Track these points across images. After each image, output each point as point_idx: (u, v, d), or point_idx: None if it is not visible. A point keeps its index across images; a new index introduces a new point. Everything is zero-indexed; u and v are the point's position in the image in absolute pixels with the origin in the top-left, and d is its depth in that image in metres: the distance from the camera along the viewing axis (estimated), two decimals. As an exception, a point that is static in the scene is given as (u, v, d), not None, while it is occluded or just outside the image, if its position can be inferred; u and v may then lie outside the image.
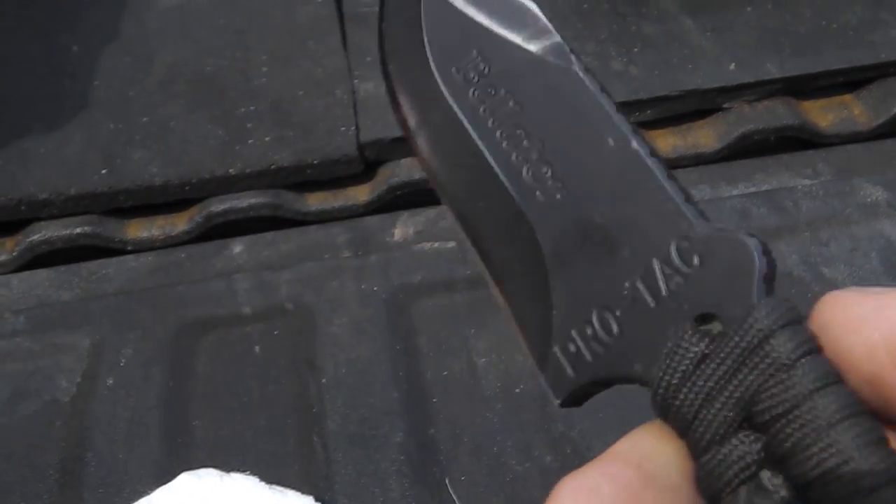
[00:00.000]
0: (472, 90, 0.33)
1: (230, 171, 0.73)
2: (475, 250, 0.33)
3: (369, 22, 0.84)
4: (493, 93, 0.32)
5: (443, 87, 0.33)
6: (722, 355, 0.23)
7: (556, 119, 0.30)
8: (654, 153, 0.28)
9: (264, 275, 0.69)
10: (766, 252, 0.24)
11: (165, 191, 0.73)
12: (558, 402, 0.28)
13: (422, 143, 0.34)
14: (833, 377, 0.22)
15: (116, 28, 0.86)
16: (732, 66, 0.77)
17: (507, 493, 0.56)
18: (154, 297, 0.68)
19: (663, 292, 0.26)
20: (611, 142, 0.28)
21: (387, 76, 0.35)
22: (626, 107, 0.74)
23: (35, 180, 0.73)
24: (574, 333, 0.28)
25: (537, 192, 0.30)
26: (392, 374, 0.62)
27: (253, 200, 0.73)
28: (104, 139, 0.76)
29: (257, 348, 0.64)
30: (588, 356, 0.27)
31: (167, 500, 0.53)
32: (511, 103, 0.32)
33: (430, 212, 0.72)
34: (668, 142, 0.75)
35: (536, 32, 0.32)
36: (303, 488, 0.55)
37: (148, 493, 0.54)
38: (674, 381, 0.24)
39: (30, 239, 0.72)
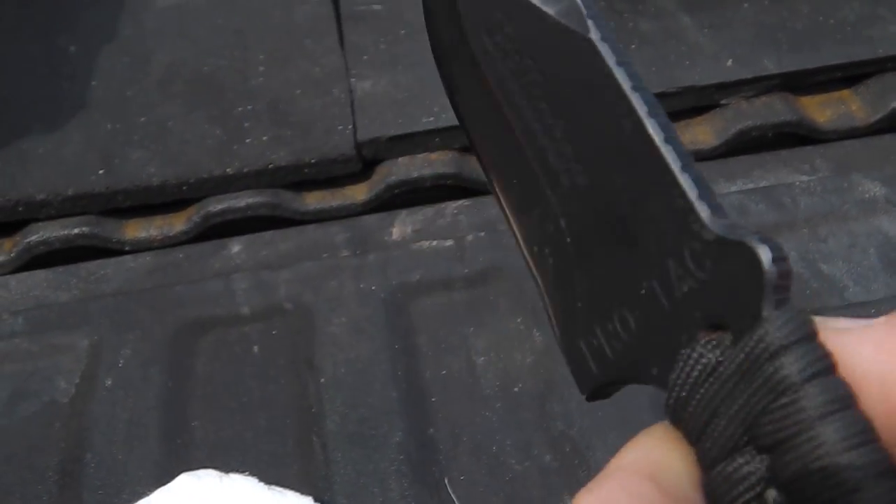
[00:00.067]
0: (503, 59, 0.30)
1: (228, 170, 0.73)
2: (512, 226, 0.31)
3: (366, 21, 0.84)
4: (520, 62, 0.30)
5: (477, 56, 0.32)
6: (729, 371, 0.22)
7: (575, 96, 0.28)
8: (671, 138, 0.25)
9: (263, 274, 0.69)
10: (780, 259, 0.22)
11: (163, 191, 0.73)
12: (584, 396, 0.27)
13: (464, 111, 0.33)
14: (842, 403, 0.21)
15: (114, 28, 0.86)
16: (730, 63, 0.77)
17: (506, 493, 0.56)
18: (152, 298, 0.68)
19: (677, 295, 0.24)
20: (626, 125, 0.26)
21: (433, 47, 0.33)
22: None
23: (33, 181, 0.73)
24: (597, 329, 0.27)
25: (561, 177, 0.28)
26: (391, 374, 0.62)
27: (251, 200, 0.73)
28: (102, 139, 0.76)
29: (256, 348, 0.64)
30: (609, 353, 0.26)
31: (166, 501, 0.53)
32: (535, 74, 0.29)
33: (429, 210, 0.72)
34: (666, 139, 0.75)
35: None
36: (302, 488, 0.55)
37: (147, 494, 0.54)
38: (683, 393, 0.23)
39: (28, 240, 0.72)
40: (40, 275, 0.71)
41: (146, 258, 0.71)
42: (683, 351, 0.23)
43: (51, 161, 0.74)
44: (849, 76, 0.78)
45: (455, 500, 0.56)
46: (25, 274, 0.71)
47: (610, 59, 0.26)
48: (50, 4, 0.88)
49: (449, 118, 0.72)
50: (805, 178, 0.72)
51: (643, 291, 0.25)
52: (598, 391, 0.27)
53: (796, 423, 0.21)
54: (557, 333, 0.29)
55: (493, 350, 0.63)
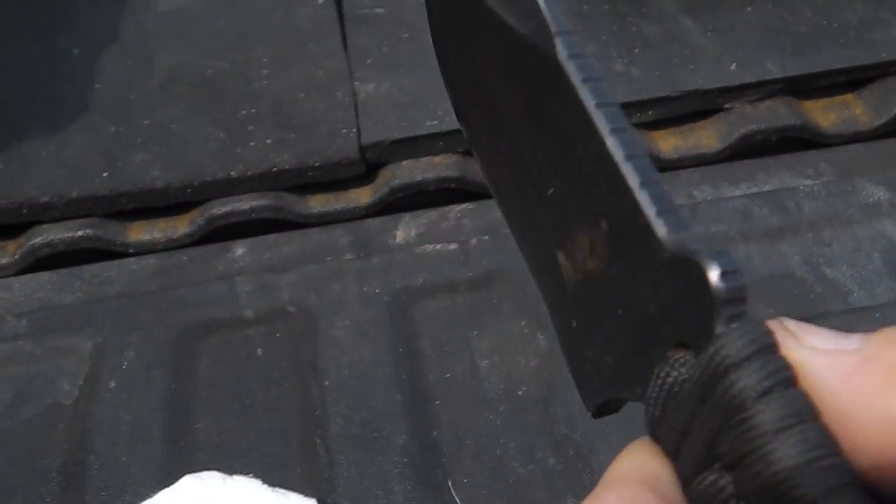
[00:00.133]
0: (488, 74, 0.31)
1: (231, 173, 0.73)
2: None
3: (370, 23, 0.84)
4: (502, 79, 0.30)
5: (467, 71, 0.32)
6: (689, 389, 0.22)
7: (546, 113, 0.28)
8: (632, 155, 0.25)
9: (266, 277, 0.69)
10: (730, 273, 0.22)
11: (167, 193, 0.73)
12: (590, 412, 0.28)
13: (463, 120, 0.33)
14: (799, 417, 0.20)
15: (117, 31, 0.86)
16: (733, 66, 0.77)
17: (509, 496, 0.56)
18: (156, 300, 0.68)
19: (648, 314, 0.24)
20: (590, 144, 0.26)
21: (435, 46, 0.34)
22: (627, 107, 0.75)
23: (36, 183, 0.73)
24: (590, 348, 0.27)
25: (543, 190, 0.28)
26: (394, 377, 0.62)
27: (254, 203, 0.73)
28: (105, 142, 0.76)
29: (259, 351, 0.64)
30: (605, 371, 0.26)
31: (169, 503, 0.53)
32: (512, 91, 0.30)
33: (432, 213, 0.72)
34: (670, 142, 0.75)
35: (527, 10, 0.28)
36: (305, 491, 0.55)
37: (150, 496, 0.54)
38: (657, 412, 0.23)
39: (31, 242, 0.72)
40: (44, 277, 0.71)
41: (150, 261, 0.71)
42: (655, 370, 0.23)
43: (54, 163, 0.74)
44: (852, 80, 0.77)
45: (458, 502, 0.56)
46: (29, 276, 0.71)
47: (575, 78, 0.26)
48: (51, 6, 0.88)
49: (452, 121, 0.72)
50: (809, 182, 0.72)
51: (620, 311, 0.25)
52: (602, 408, 0.27)
53: (753, 440, 0.20)
54: (563, 351, 0.29)
55: (496, 353, 0.63)
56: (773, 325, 0.22)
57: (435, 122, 0.74)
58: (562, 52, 0.26)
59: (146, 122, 0.77)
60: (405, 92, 0.77)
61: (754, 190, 0.72)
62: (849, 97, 0.78)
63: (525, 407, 0.60)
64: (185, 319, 0.66)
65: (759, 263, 0.66)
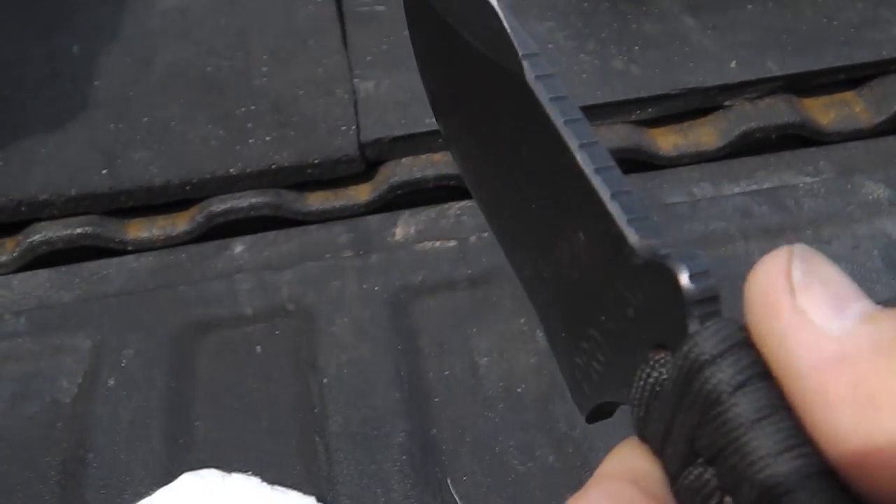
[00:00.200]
0: (463, 91, 0.32)
1: (231, 171, 0.73)
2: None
3: (369, 21, 0.84)
4: (476, 96, 0.31)
5: (445, 86, 0.33)
6: (669, 388, 0.23)
7: (516, 133, 0.29)
8: (602, 168, 0.26)
9: (265, 275, 0.69)
10: (700, 274, 0.22)
11: (166, 191, 0.73)
12: (584, 417, 0.28)
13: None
14: (772, 409, 0.21)
15: (117, 28, 0.86)
16: (733, 64, 0.76)
17: (509, 494, 0.56)
18: (155, 298, 0.68)
19: (627, 318, 0.25)
20: (558, 161, 0.27)
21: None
22: (627, 105, 0.75)
23: (35, 181, 0.73)
24: (578, 354, 0.28)
25: (523, 203, 0.29)
26: (394, 374, 0.62)
27: (254, 200, 0.72)
28: (105, 140, 0.76)
29: (259, 349, 0.64)
30: (594, 376, 0.27)
31: (169, 501, 0.53)
32: (489, 109, 0.31)
33: (432, 211, 0.72)
34: (670, 140, 0.75)
35: (494, 32, 0.29)
36: (305, 489, 0.55)
37: (149, 494, 0.54)
38: (641, 413, 0.24)
39: (30, 239, 0.72)
40: (43, 275, 0.71)
41: (149, 258, 0.71)
42: (637, 371, 0.24)
43: (53, 161, 0.74)
44: (852, 78, 0.78)
45: (458, 500, 0.56)
46: (28, 274, 0.71)
47: (543, 97, 0.27)
48: (52, 4, 0.88)
49: (452, 119, 0.72)
50: (809, 179, 0.72)
51: (603, 318, 0.26)
52: (595, 413, 0.28)
53: (729, 432, 0.21)
54: (555, 358, 0.30)
55: (495, 351, 0.63)
56: (781, 257, 0.22)
57: (434, 120, 0.74)
58: (529, 74, 0.28)
59: (145, 119, 0.77)
60: (405, 89, 0.77)
61: (754, 187, 0.72)
62: (849, 95, 0.78)
63: (524, 404, 0.60)
64: (185, 317, 0.66)
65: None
